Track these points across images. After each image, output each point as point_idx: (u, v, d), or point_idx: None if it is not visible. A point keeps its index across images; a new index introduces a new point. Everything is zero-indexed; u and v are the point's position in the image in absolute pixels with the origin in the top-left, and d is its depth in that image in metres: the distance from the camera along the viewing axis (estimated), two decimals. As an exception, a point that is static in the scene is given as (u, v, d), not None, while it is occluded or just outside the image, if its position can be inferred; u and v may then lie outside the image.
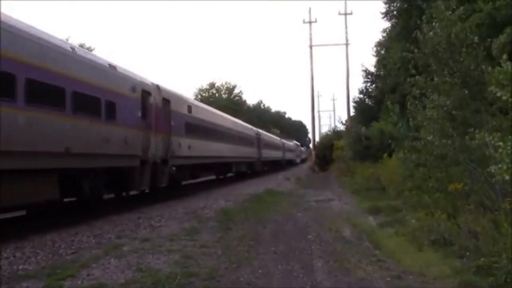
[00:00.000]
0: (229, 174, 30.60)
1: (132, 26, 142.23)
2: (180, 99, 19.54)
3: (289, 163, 61.05)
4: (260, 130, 41.12)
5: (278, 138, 54.69)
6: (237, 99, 79.58)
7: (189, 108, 20.04)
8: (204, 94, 75.18)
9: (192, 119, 19.96)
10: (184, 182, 20.30)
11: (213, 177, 28.60)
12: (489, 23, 12.82)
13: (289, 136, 72.03)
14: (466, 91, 8.43)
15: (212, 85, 78.72)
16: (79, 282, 5.96)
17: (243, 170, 33.17)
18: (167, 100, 16.83)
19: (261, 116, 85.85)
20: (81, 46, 38.17)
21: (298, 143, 79.13)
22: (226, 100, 73.40)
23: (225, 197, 16.86)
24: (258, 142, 37.88)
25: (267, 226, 10.61)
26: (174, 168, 16.86)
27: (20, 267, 6.69)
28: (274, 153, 47.83)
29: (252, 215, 12.21)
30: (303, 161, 78.18)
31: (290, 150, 62.29)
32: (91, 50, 40.09)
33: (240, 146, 30.40)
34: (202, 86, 78.38)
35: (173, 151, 16.81)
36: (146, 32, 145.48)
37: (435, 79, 9.13)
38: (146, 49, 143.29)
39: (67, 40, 32.62)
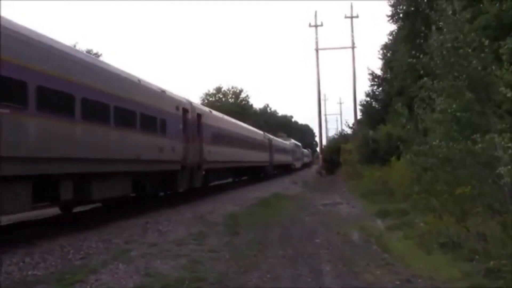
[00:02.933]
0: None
1: (139, 31, 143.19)
2: None
3: (284, 169, 46.75)
4: (205, 108, 22.29)
5: (261, 132, 36.25)
6: (244, 103, 79.58)
7: None
8: (210, 99, 75.29)
9: None
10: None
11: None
12: (495, 25, 12.74)
13: (296, 140, 68.07)
14: (472, 94, 8.38)
15: (218, 90, 78.78)
16: (88, 287, 5.99)
17: (154, 191, 15.47)
18: None
19: (267, 120, 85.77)
20: (89, 52, 38.51)
21: (299, 144, 63.52)
22: (233, 104, 73.24)
23: (232, 201, 16.83)
24: (199, 129, 18.92)
25: (275, 230, 10.60)
26: None
27: (30, 272, 6.72)
28: (250, 155, 29.60)
29: (259, 219, 12.20)
30: (306, 165, 71.71)
31: (284, 151, 46.39)
32: (99, 56, 40.38)
33: (133, 134, 13.20)
34: (209, 91, 78.56)
35: None
36: (153, 36, 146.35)
37: (441, 82, 9.08)
38: (153, 53, 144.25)
39: (74, 45, 32.97)
